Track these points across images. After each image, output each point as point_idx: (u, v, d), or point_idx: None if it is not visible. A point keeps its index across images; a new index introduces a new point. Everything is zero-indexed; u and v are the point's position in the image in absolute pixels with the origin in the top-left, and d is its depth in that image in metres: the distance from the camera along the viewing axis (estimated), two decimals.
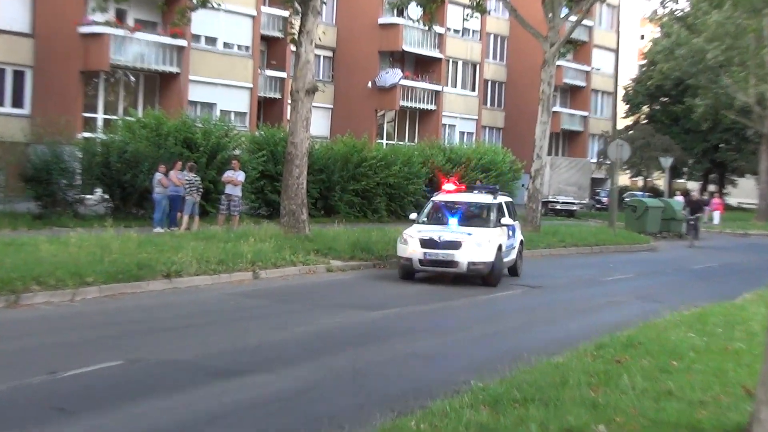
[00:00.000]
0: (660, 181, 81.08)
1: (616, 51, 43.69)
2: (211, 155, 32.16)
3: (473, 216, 23.07)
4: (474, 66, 64.09)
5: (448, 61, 61.11)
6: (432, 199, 23.77)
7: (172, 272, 18.82)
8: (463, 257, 21.02)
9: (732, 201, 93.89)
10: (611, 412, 8.98)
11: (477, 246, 21.09)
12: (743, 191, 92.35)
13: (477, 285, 21.31)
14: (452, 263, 21.19)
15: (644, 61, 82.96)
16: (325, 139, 47.49)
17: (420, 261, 21.29)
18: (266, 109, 50.49)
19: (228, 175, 28.88)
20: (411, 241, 21.35)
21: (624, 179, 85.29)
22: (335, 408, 9.82)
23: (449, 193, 23.49)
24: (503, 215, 22.77)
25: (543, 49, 33.26)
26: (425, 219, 22.75)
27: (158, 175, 27.39)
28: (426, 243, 21.23)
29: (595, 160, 69.99)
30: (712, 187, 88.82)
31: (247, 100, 47.42)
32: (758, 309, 15.78)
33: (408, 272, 21.76)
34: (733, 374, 10.91)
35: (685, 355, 12.03)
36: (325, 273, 22.64)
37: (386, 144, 52.31)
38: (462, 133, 62.26)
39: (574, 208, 55.82)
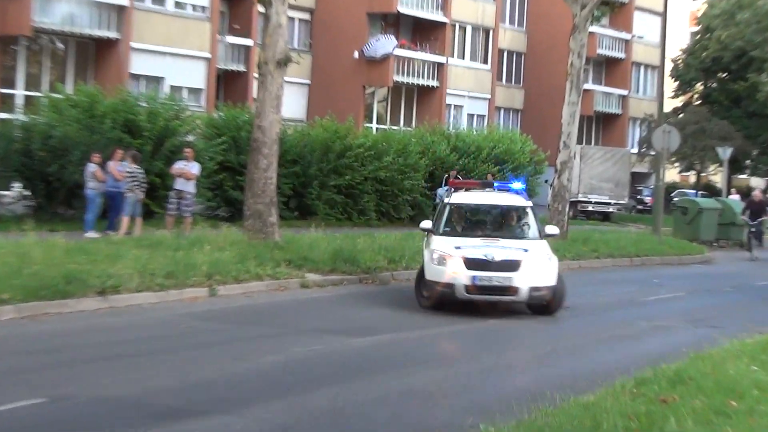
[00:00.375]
0: (717, 177, 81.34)
1: (664, 15, 43.81)
2: (158, 142, 32.05)
3: (509, 224, 22.29)
4: (486, 32, 64.21)
5: (455, 25, 61.23)
6: (448, 201, 22.31)
7: (108, 288, 18.74)
8: (523, 281, 19.61)
9: None
10: None
11: (538, 266, 19.94)
12: None
13: (491, 308, 21.28)
14: (509, 290, 19.73)
15: (698, 28, 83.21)
16: (301, 123, 47.51)
17: (466, 288, 19.53)
18: (227, 84, 50.47)
19: (179, 166, 28.79)
20: (452, 260, 19.70)
21: (672, 174, 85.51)
22: None
23: (461, 190, 22.95)
24: (544, 223, 22.48)
25: (572, 12, 33.31)
26: (447, 228, 21.60)
27: (92, 167, 27.33)
28: (473, 264, 19.67)
29: (636, 150, 70.20)
30: None
31: (203, 73, 47.35)
32: None
33: (444, 302, 20.14)
34: None
35: (747, 393, 12.04)
36: (299, 289, 22.61)
37: (376, 129, 52.39)
38: (471, 115, 62.45)
39: (610, 209, 55.98)
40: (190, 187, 28.70)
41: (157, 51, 45.19)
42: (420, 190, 41.34)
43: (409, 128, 53.01)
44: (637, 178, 70.02)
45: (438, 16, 59.41)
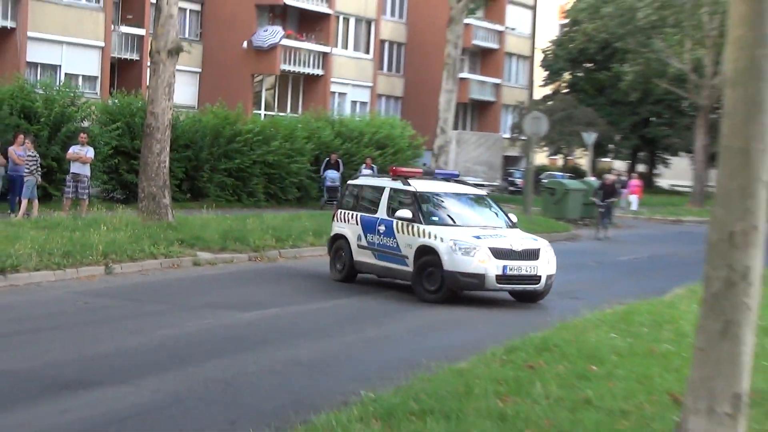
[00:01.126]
0: (582, 160, 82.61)
1: (534, 8, 44.45)
2: (54, 128, 31.62)
3: (485, 214, 21.31)
4: (368, 24, 64.23)
5: (338, 17, 61.13)
6: (415, 190, 20.52)
7: (8, 267, 18.48)
8: (543, 270, 19.18)
9: (663, 183, 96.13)
10: (521, 425, 9.20)
11: (550, 254, 19.59)
12: (676, 172, 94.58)
13: (369, 281, 21.44)
14: (534, 278, 19.15)
15: (566, 21, 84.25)
16: (192, 109, 47.22)
17: (497, 278, 18.67)
18: (121, 72, 49.86)
19: (74, 151, 28.40)
20: (479, 251, 18.63)
21: (541, 157, 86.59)
22: (202, 424, 9.86)
23: (410, 176, 21.54)
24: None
25: (449, 5, 33.54)
26: (433, 218, 20.12)
27: None
28: (500, 253, 18.79)
29: (508, 135, 70.96)
30: (641, 167, 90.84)
31: (97, 61, 46.77)
32: (689, 306, 16.20)
33: (469, 290, 19.40)
34: (659, 380, 11.25)
35: (606, 359, 12.34)
36: (192, 267, 22.52)
37: (264, 115, 52.21)
38: (354, 102, 62.45)
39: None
40: (85, 171, 28.36)
41: (52, 40, 44.60)
42: (306, 173, 41.33)
43: (295, 114, 52.91)
44: (509, 161, 70.80)
45: (323, 8, 59.31)
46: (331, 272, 21.90)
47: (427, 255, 19.21)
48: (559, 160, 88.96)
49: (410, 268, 19.57)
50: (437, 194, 21.07)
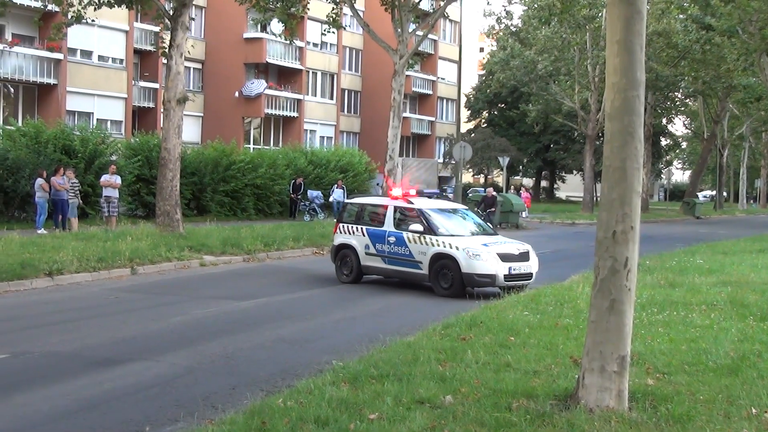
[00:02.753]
0: (499, 178, 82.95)
1: (459, 62, 44.47)
2: (89, 161, 31.63)
3: (475, 224, 20.85)
4: (332, 76, 64.17)
5: (309, 72, 61.04)
6: (423, 208, 20.01)
7: (54, 270, 18.39)
8: (533, 268, 19.34)
9: (561, 194, 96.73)
10: (457, 384, 9.20)
11: (534, 255, 19.61)
12: (571, 186, 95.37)
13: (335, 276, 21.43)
14: (529, 275, 19.23)
15: (483, 72, 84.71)
16: (197, 145, 46.97)
17: (505, 277, 18.56)
18: (141, 117, 49.54)
19: (106, 178, 28.39)
20: (488, 256, 18.43)
21: (467, 177, 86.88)
22: (210, 390, 9.79)
23: (401, 198, 20.48)
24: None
25: (393, 61, 33.56)
26: (442, 230, 19.41)
27: (39, 181, 26.78)
28: (506, 257, 18.72)
29: (441, 160, 71.10)
30: (544, 183, 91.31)
31: (122, 109, 46.45)
32: (584, 289, 16.29)
33: (482, 287, 18.88)
34: (563, 347, 11.28)
35: (521, 331, 12.37)
36: (199, 267, 22.42)
37: (253, 148, 51.97)
38: (322, 137, 62.29)
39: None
40: (115, 194, 28.39)
41: (86, 93, 44.23)
42: (286, 192, 41.24)
43: (277, 147, 52.74)
44: (442, 180, 70.89)
45: (296, 65, 59.18)
46: (339, 276, 20.81)
47: (442, 260, 18.83)
48: (482, 178, 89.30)
49: (424, 271, 19.13)
50: (436, 210, 20.37)
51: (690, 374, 9.87)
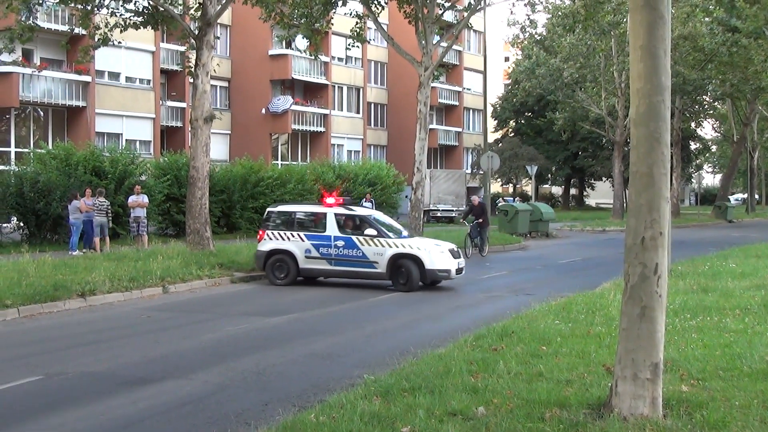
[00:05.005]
0: (528, 187, 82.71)
1: (484, 72, 44.43)
2: (119, 182, 31.81)
3: (398, 226, 23.81)
4: (358, 90, 64.36)
5: (334, 86, 61.26)
6: (369, 215, 22.76)
7: (87, 291, 18.50)
8: (462, 263, 22.45)
9: (591, 202, 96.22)
10: (489, 395, 9.17)
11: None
12: (600, 193, 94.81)
13: (369, 288, 21.43)
14: (463, 269, 22.32)
15: (509, 81, 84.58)
16: (225, 163, 47.16)
17: (456, 271, 21.79)
18: (169, 137, 49.92)
19: (133, 199, 28.61)
20: (444, 254, 21.62)
21: (496, 187, 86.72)
22: (242, 406, 9.80)
23: (335, 206, 22.50)
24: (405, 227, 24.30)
25: (418, 73, 33.61)
26: (390, 233, 22.05)
27: (76, 203, 27.05)
28: (454, 254, 21.98)
29: (469, 170, 70.99)
30: (573, 191, 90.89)
31: (150, 129, 46.85)
32: (615, 296, 16.18)
33: (440, 281, 22.08)
34: (595, 355, 11.21)
35: (553, 340, 12.32)
36: (230, 284, 22.50)
37: (281, 164, 52.17)
38: (349, 151, 62.46)
39: (453, 214, 56.42)
40: (144, 213, 28.62)
41: (115, 114, 44.70)
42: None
43: (305, 163, 52.93)
44: (471, 191, 70.64)
45: (322, 80, 59.41)
46: (271, 279, 22.38)
47: (403, 259, 21.30)
48: (510, 188, 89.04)
49: (381, 270, 21.40)
50: (373, 216, 22.68)
51: (725, 380, 9.79)
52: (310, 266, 22.17)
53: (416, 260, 21.21)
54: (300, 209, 23.61)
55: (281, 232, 22.44)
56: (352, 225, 22.21)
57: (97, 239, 27.20)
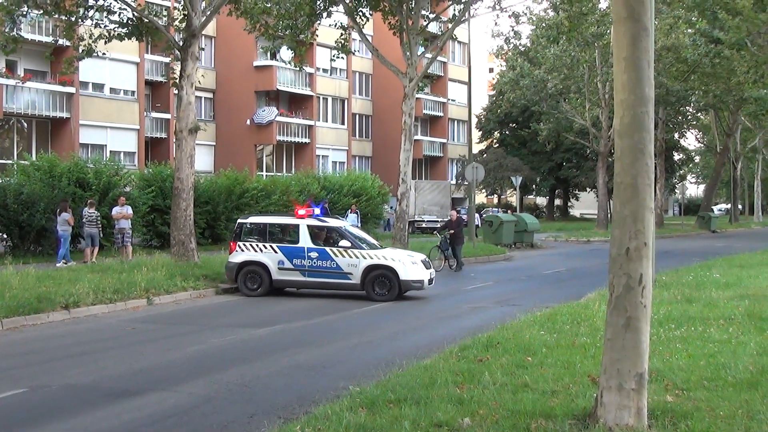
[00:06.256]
0: (513, 198, 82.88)
1: (469, 83, 44.55)
2: (104, 193, 31.67)
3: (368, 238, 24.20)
4: (342, 102, 64.45)
5: (319, 98, 61.34)
6: (342, 225, 23.20)
7: (71, 303, 18.40)
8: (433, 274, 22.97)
9: (576, 212, 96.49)
10: (475, 406, 9.17)
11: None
12: (584, 203, 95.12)
13: (354, 299, 21.42)
14: (433, 280, 22.69)
15: (493, 92, 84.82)
16: (209, 174, 47.10)
17: (428, 281, 22.08)
18: (153, 148, 49.85)
19: (117, 210, 28.50)
20: (417, 265, 21.95)
21: (481, 197, 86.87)
22: (227, 419, 9.77)
23: (306, 217, 22.50)
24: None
25: (403, 84, 33.68)
26: (363, 244, 22.38)
27: (65, 215, 26.94)
28: (426, 264, 22.44)
29: (454, 181, 71.09)
30: (558, 201, 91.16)
31: (135, 140, 46.79)
32: (600, 307, 16.20)
33: (413, 290, 22.16)
34: (580, 365, 11.22)
35: (538, 351, 12.32)
36: (214, 296, 22.45)
37: (266, 176, 52.14)
38: (334, 162, 62.50)
39: (438, 225, 56.36)
40: (128, 225, 28.48)
41: (99, 125, 44.64)
42: None
43: (290, 174, 52.93)
44: (456, 202, 70.84)
45: (307, 91, 59.51)
46: (243, 290, 22.36)
47: (377, 270, 21.50)
48: (495, 199, 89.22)
49: (355, 281, 21.56)
50: (345, 228, 22.88)
51: (709, 390, 9.82)
52: (283, 277, 22.20)
53: (391, 271, 21.47)
54: (272, 221, 23.70)
55: (253, 244, 22.49)
56: (325, 236, 22.38)
57: (88, 249, 27.20)
